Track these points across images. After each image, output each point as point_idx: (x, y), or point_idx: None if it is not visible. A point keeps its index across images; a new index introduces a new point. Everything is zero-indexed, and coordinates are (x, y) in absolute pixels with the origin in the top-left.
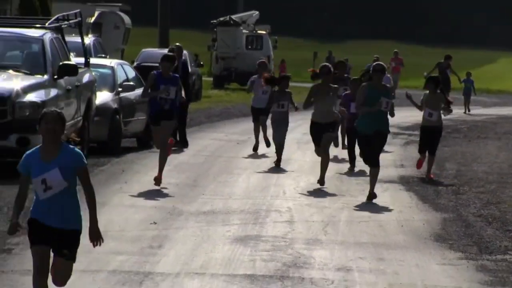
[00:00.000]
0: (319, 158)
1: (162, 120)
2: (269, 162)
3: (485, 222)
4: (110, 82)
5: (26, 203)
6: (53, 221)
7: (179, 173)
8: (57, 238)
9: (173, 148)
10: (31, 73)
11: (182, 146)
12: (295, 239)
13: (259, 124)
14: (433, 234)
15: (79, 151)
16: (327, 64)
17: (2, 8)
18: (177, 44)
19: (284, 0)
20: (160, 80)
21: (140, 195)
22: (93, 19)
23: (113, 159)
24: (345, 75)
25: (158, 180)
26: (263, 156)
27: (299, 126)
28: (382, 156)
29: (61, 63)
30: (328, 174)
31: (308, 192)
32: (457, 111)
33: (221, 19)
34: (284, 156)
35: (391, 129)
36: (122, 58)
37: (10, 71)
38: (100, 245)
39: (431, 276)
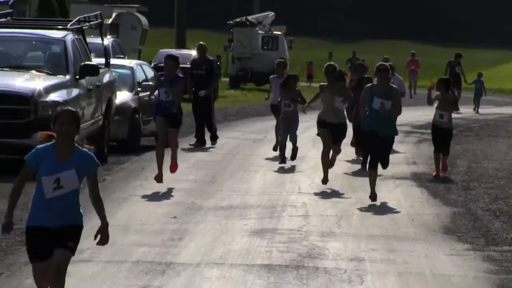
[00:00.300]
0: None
1: (169, 127)
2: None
3: (493, 216)
4: (129, 82)
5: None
6: (55, 221)
7: (197, 170)
8: (59, 234)
9: (191, 145)
10: (53, 73)
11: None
12: (310, 232)
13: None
14: (443, 227)
15: (92, 153)
16: (332, 63)
17: (21, 9)
18: (201, 43)
19: (299, 1)
20: (162, 81)
21: (160, 191)
22: (110, 20)
23: (133, 157)
24: (365, 75)
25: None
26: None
27: (314, 126)
28: (395, 154)
29: (82, 64)
30: (341, 170)
31: (322, 188)
32: (469, 110)
33: (237, 20)
34: (299, 153)
35: (404, 128)
36: (139, 59)
37: (33, 72)
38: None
39: (439, 266)
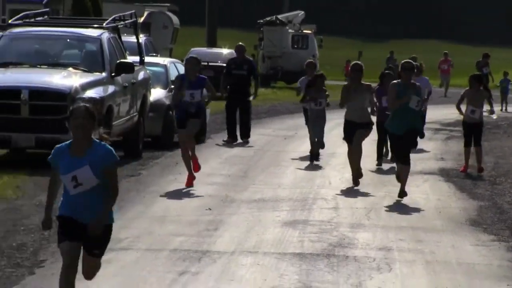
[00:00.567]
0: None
1: (190, 118)
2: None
3: None
4: (163, 79)
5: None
6: (84, 217)
7: (230, 166)
8: (88, 234)
9: (224, 141)
10: (90, 70)
11: (245, 138)
12: (340, 223)
13: None
14: (469, 219)
15: (110, 147)
16: (358, 62)
17: (55, 8)
18: (240, 43)
19: (328, 1)
20: (185, 83)
21: (194, 185)
22: (142, 19)
23: (167, 152)
24: (386, 71)
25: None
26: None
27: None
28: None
29: (118, 61)
30: (371, 165)
31: (352, 182)
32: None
33: (268, 19)
34: (329, 150)
35: (433, 126)
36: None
37: (70, 69)
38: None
39: (465, 255)
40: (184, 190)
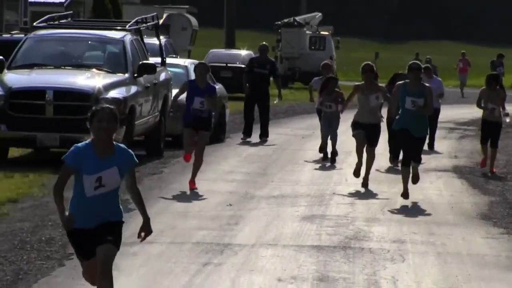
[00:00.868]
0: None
1: (199, 130)
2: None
3: None
4: (184, 80)
5: None
6: (95, 221)
7: (249, 163)
8: (99, 231)
9: (242, 139)
10: (113, 71)
11: (264, 136)
12: (356, 218)
13: None
14: (480, 214)
15: (130, 150)
16: (369, 62)
17: (76, 10)
18: (264, 43)
19: (346, 2)
20: (194, 90)
21: (215, 182)
22: (161, 21)
23: None
24: (399, 72)
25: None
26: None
27: None
28: (437, 148)
29: (140, 63)
30: (386, 164)
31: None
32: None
33: (285, 20)
34: (345, 149)
35: (448, 125)
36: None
37: (93, 70)
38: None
39: (475, 247)
40: (205, 187)
